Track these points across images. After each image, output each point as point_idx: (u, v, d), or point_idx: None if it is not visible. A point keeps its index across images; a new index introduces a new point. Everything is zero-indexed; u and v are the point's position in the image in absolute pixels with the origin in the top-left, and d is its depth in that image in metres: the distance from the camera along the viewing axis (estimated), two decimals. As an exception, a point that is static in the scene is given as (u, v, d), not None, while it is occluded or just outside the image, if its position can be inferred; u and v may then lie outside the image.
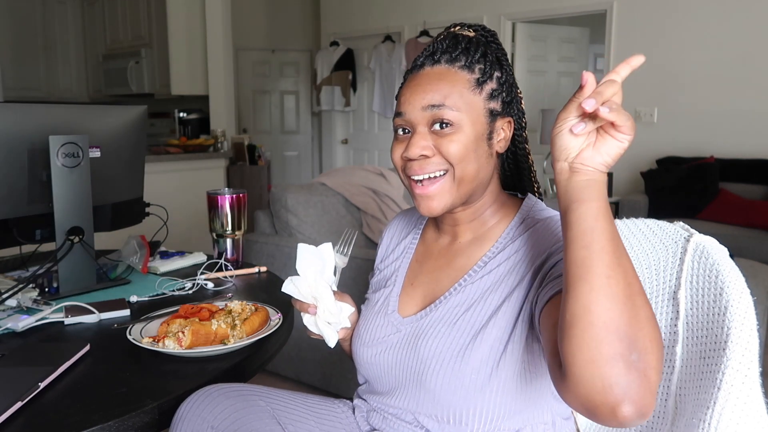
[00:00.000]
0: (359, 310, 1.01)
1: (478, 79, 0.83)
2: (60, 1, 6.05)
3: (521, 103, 0.89)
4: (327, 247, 0.90)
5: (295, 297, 0.91)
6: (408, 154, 0.82)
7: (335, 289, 0.94)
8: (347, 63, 6.00)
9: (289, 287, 0.91)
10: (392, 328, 0.90)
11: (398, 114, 0.84)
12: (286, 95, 6.60)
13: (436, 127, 0.81)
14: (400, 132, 0.86)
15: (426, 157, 0.82)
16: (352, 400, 1.01)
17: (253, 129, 6.38)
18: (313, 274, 0.89)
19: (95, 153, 1.27)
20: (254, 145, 4.78)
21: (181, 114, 5.74)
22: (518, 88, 0.90)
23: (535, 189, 0.94)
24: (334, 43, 6.04)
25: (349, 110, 6.15)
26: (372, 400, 0.94)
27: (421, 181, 0.83)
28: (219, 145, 4.48)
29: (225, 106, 4.70)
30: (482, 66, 0.83)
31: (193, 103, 5.58)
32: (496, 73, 0.85)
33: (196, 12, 4.82)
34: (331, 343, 0.92)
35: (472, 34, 0.89)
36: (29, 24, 5.84)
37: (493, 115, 0.84)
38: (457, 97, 0.81)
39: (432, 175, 0.82)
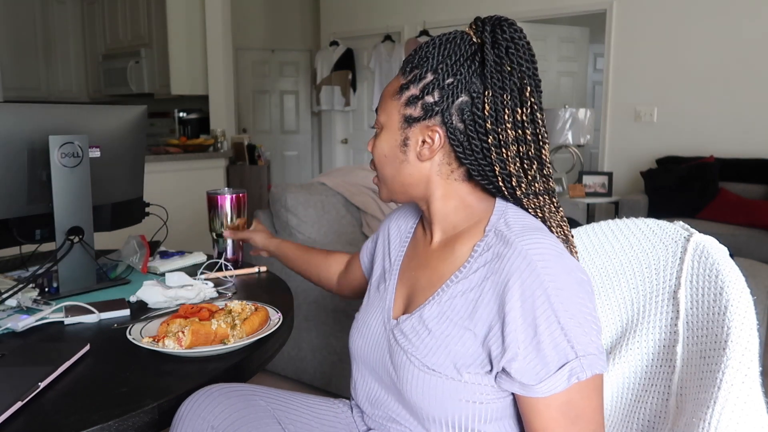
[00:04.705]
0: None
1: (402, 85, 0.83)
2: (60, 0, 6.05)
3: (482, 109, 0.77)
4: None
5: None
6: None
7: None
8: (347, 63, 6.00)
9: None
10: (382, 325, 0.90)
11: None
12: (285, 95, 6.60)
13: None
14: None
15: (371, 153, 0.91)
16: (350, 399, 1.01)
17: (253, 129, 6.38)
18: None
19: (95, 153, 1.27)
20: (254, 144, 4.78)
21: (181, 114, 5.73)
22: (474, 92, 0.78)
23: (518, 193, 0.81)
24: (334, 43, 6.04)
25: (348, 110, 6.16)
26: (363, 405, 0.94)
27: None
28: (219, 144, 4.48)
29: (225, 106, 4.69)
30: (418, 71, 0.81)
31: (192, 103, 5.58)
32: (428, 78, 0.80)
33: (196, 12, 4.82)
34: None
35: (444, 35, 0.83)
36: (29, 24, 5.83)
37: (408, 122, 0.82)
38: (383, 102, 0.87)
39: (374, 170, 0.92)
